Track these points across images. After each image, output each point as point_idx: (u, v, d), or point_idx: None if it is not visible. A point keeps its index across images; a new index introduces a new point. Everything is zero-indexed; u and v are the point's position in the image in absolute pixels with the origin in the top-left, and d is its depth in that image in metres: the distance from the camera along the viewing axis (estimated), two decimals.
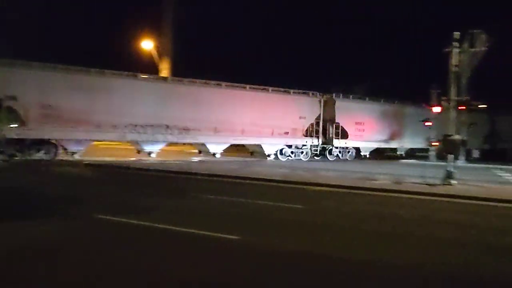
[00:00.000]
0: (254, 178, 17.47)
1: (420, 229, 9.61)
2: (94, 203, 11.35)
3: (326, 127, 31.53)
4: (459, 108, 17.81)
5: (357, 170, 22.88)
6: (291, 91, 30.53)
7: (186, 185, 16.15)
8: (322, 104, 31.20)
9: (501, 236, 9.33)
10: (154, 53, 35.87)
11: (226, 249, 7.44)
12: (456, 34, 17.25)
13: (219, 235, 8.12)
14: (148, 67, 34.74)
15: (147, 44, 35.96)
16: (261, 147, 29.20)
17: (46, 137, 22.22)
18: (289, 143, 30.12)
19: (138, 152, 25.55)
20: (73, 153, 23.11)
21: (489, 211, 12.62)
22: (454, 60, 17.32)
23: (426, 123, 30.34)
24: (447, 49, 17.54)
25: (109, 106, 23.21)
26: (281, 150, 29.88)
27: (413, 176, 19.29)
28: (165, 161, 23.97)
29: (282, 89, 30.22)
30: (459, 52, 17.32)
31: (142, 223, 8.92)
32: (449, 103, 17.70)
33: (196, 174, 18.61)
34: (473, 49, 16.76)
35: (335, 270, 6.52)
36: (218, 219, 9.97)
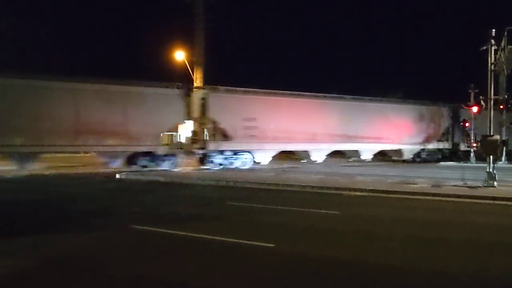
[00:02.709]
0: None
1: (462, 233, 9.34)
2: (129, 214, 11.66)
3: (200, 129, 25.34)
4: (498, 107, 17.23)
5: (393, 174, 22.45)
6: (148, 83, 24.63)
7: (220, 193, 16.33)
8: (186, 99, 25.45)
9: None
10: (186, 63, 36.52)
11: (261, 257, 7.46)
12: (493, 32, 16.73)
13: (255, 243, 8.17)
14: (182, 76, 35.45)
15: (179, 55, 36.74)
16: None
17: None
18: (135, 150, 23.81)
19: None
20: None
21: None
22: (491, 58, 16.79)
23: (467, 124, 29.59)
24: (484, 47, 17.03)
25: None
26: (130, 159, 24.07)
27: (452, 179, 18.75)
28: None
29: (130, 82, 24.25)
30: (496, 50, 16.79)
31: (177, 232, 9.08)
32: (487, 103, 17.14)
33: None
34: (510, 46, 16.19)
35: (371, 278, 6.42)
36: (253, 227, 10.03)
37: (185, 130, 24.87)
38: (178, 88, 25.37)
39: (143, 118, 23.49)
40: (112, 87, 23.28)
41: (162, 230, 9.31)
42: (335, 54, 69.20)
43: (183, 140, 24.79)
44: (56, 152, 25.81)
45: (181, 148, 24.82)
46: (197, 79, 36.96)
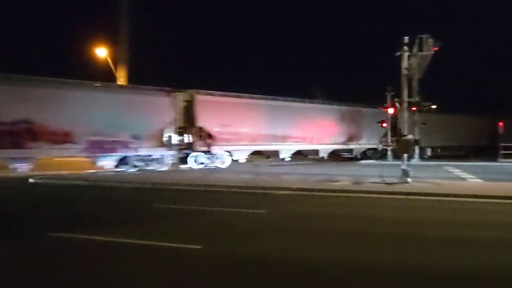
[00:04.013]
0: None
1: (381, 227, 9.88)
2: (44, 221, 11.00)
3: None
4: (411, 109, 18.48)
5: (317, 172, 23.25)
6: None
7: (146, 196, 15.92)
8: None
9: (461, 229, 9.73)
10: (109, 61, 35.12)
11: (187, 260, 7.38)
12: (406, 39, 17.94)
13: (182, 245, 8.05)
14: (105, 75, 34.06)
15: (101, 52, 35.20)
16: None
17: None
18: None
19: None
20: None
21: (443, 205, 13.15)
22: (405, 63, 17.98)
23: (383, 124, 31.41)
24: (398, 53, 18.19)
25: None
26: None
27: (371, 176, 19.82)
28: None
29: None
30: (409, 56, 18.01)
31: (99, 238, 8.71)
32: (402, 104, 18.34)
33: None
34: (421, 53, 17.45)
35: (298, 274, 6.58)
36: (180, 229, 9.89)
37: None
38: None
39: (369, 128, 36.39)
40: (357, 109, 37.38)
41: (81, 236, 8.81)
42: (256, 55, 70.42)
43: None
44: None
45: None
46: (121, 77, 35.70)
